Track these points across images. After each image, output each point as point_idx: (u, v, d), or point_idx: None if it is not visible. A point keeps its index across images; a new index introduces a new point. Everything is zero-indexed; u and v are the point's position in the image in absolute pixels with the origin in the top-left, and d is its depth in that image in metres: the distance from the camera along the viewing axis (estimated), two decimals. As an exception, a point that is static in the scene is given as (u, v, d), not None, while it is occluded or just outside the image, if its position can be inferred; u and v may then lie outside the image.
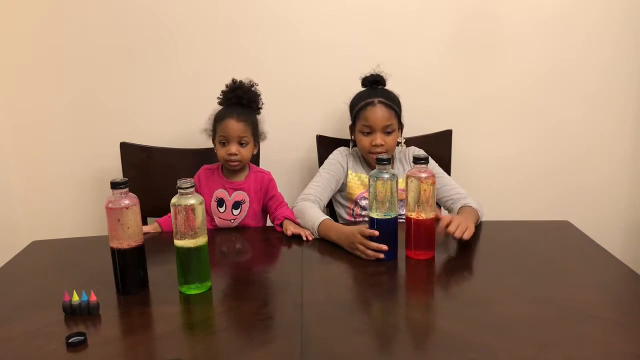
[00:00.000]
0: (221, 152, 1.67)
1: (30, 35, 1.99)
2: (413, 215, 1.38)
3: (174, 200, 1.22)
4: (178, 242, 1.23)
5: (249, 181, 1.72)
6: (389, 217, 1.38)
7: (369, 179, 1.39)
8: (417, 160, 1.38)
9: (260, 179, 1.72)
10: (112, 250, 1.24)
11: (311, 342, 1.04)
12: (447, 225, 1.40)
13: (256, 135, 1.72)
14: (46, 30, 1.98)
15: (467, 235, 1.40)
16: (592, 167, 2.15)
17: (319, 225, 1.54)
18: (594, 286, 1.24)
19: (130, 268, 1.25)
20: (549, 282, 1.26)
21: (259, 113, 1.76)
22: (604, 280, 1.28)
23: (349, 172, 1.76)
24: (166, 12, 1.98)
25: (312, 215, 1.58)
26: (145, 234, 1.30)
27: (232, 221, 1.69)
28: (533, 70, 2.07)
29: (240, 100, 1.70)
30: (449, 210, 1.68)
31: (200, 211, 1.22)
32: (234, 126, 1.65)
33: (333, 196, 1.81)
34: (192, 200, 1.21)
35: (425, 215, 1.37)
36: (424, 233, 1.38)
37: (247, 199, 1.70)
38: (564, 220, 1.63)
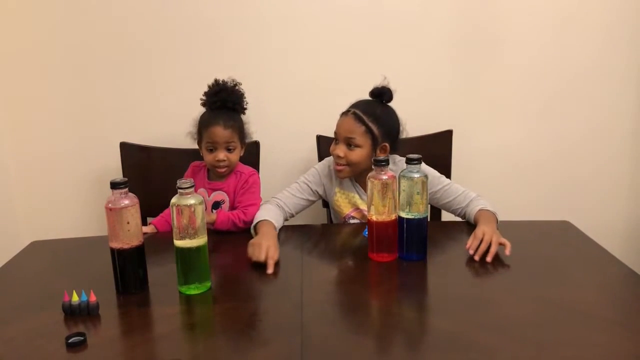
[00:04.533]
0: (209, 157, 1.66)
1: (29, 35, 1.98)
2: (375, 217, 1.36)
3: (173, 200, 1.22)
4: (178, 242, 1.23)
5: (229, 181, 1.70)
6: (420, 217, 1.35)
7: (399, 179, 1.35)
8: (377, 162, 1.35)
9: (239, 178, 1.70)
10: (112, 250, 1.24)
11: (311, 342, 1.04)
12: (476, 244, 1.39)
13: (243, 139, 1.71)
14: (46, 31, 1.98)
15: (492, 250, 1.36)
16: (592, 166, 2.15)
17: (256, 224, 1.54)
18: (594, 286, 1.24)
19: (130, 268, 1.25)
20: (549, 282, 1.26)
21: (244, 114, 1.74)
22: (604, 280, 1.28)
23: (336, 190, 1.71)
24: (166, 12, 1.98)
25: (258, 215, 1.58)
26: (144, 234, 1.30)
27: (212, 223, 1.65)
28: (533, 70, 2.07)
29: (225, 104, 1.67)
30: (463, 217, 1.63)
31: (200, 211, 1.22)
32: (221, 133, 1.63)
33: (330, 209, 1.80)
34: (192, 200, 1.21)
35: (385, 217, 1.35)
36: (385, 235, 1.36)
37: (227, 200, 1.69)
38: (564, 221, 1.63)
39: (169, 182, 1.68)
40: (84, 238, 1.68)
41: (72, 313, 1.15)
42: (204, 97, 1.69)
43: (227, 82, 1.69)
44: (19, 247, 1.56)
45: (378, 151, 1.63)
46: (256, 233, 1.53)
